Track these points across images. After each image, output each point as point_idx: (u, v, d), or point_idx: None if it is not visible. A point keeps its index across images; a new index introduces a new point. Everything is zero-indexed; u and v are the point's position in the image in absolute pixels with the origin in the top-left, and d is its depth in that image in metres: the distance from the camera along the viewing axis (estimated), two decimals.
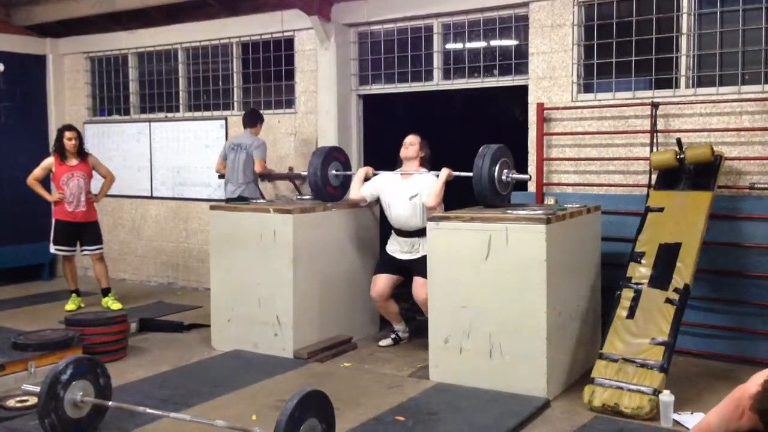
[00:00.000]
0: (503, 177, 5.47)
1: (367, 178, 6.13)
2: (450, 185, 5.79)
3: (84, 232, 7.48)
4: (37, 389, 3.90)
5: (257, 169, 7.29)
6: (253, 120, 7.48)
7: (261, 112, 7.84)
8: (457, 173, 5.73)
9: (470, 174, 5.41)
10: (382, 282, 5.98)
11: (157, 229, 9.09)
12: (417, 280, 5.74)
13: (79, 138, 7.46)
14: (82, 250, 7.58)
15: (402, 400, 4.71)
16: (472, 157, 5.45)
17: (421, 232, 5.70)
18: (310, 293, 5.84)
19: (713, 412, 2.58)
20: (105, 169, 7.70)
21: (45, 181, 7.64)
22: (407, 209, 5.82)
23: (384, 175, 6.06)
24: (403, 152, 5.97)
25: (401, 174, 5.97)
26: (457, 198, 6.05)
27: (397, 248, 5.96)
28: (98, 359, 4.31)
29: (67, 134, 7.36)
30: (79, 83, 9.67)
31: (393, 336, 6.13)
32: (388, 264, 6.01)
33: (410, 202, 5.81)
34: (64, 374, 3.89)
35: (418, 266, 5.60)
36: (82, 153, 7.47)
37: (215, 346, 6.04)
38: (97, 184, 7.64)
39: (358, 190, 6.09)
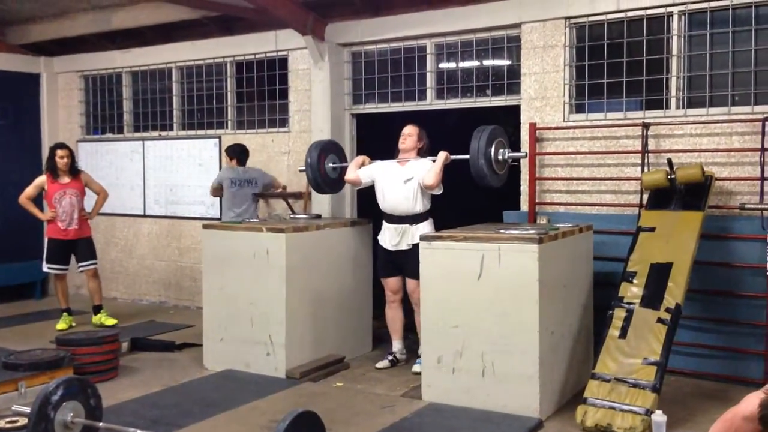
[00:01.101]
0: (499, 156, 5.54)
1: (363, 166, 6.16)
2: (448, 172, 5.81)
3: (77, 248, 7.50)
4: (28, 410, 3.87)
5: (277, 186, 7.80)
6: (247, 155, 7.72)
7: (254, 131, 7.88)
8: (454, 156, 5.77)
9: (467, 157, 5.49)
10: (393, 282, 6.00)
11: (149, 248, 9.06)
12: (410, 283, 5.78)
13: (71, 156, 7.49)
14: (77, 266, 7.58)
15: (394, 420, 4.70)
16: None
17: (411, 219, 5.76)
18: (303, 313, 5.83)
19: None
20: (98, 186, 7.70)
21: (38, 200, 7.63)
22: (401, 192, 5.80)
23: (381, 162, 6.09)
24: (401, 144, 5.97)
25: (398, 161, 5.98)
26: (455, 184, 6.11)
27: (387, 237, 5.94)
28: (89, 379, 4.28)
29: (59, 152, 7.39)
30: (72, 102, 9.69)
31: (390, 358, 6.07)
32: (387, 265, 5.99)
33: (404, 185, 5.80)
34: (55, 395, 3.86)
35: (408, 265, 5.61)
36: (74, 171, 7.50)
37: (207, 366, 6.02)
38: (90, 201, 7.63)
39: (354, 172, 6.09)
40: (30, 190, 7.48)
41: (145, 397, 5.24)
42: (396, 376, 5.77)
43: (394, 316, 6.11)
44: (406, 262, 5.74)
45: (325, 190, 6.57)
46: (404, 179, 5.82)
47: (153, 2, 7.86)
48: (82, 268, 7.58)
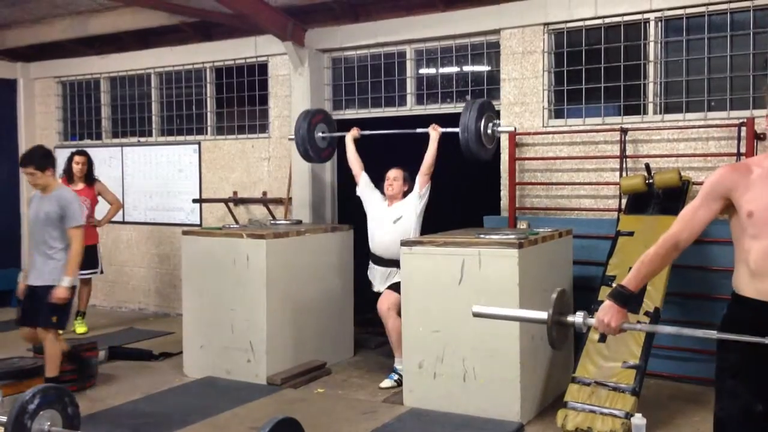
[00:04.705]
0: (489, 130, 5.62)
1: (355, 140, 6.21)
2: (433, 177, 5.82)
3: None
4: (4, 419, 3.82)
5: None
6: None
7: (234, 137, 7.82)
8: (444, 129, 5.81)
9: (457, 130, 5.56)
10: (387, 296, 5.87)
11: (128, 254, 8.99)
12: (385, 292, 5.77)
13: (88, 163, 7.61)
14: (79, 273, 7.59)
15: (376, 425, 4.69)
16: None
17: (399, 264, 5.60)
18: (284, 319, 5.80)
19: (688, 207, 2.68)
20: (112, 196, 7.80)
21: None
22: (390, 234, 5.74)
23: (373, 192, 6.03)
24: (388, 190, 5.91)
25: (385, 200, 5.95)
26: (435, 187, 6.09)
27: (377, 282, 5.90)
28: (66, 388, 4.24)
29: (76, 158, 7.57)
30: (50, 108, 9.59)
31: (396, 377, 5.56)
32: (377, 294, 5.93)
33: (394, 225, 5.78)
34: (32, 404, 3.81)
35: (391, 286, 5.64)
36: (90, 178, 7.61)
37: (187, 373, 5.97)
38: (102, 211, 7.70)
39: (355, 157, 6.12)
40: None
41: (123, 406, 5.19)
42: (377, 382, 5.75)
43: (392, 326, 5.64)
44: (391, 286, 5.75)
45: (313, 159, 6.65)
46: (393, 219, 5.79)
47: (131, 8, 7.81)
48: (81, 276, 7.57)
